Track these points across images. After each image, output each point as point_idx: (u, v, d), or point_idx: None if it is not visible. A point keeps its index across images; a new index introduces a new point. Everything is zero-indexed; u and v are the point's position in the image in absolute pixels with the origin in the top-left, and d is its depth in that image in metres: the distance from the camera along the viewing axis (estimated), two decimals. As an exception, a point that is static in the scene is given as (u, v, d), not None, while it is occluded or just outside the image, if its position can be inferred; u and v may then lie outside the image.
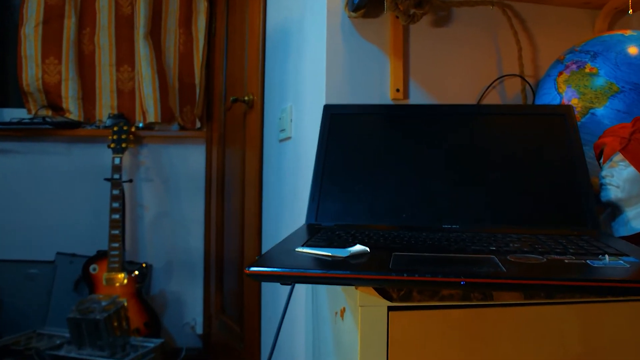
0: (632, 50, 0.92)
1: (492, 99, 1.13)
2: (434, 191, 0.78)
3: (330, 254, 0.55)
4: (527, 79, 1.13)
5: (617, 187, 0.79)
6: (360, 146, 0.85)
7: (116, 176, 2.13)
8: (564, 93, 0.97)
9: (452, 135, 0.84)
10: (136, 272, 2.12)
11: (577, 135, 0.82)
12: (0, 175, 2.26)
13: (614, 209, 0.82)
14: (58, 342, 1.75)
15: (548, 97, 1.01)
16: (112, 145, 2.16)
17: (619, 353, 0.58)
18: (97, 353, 1.66)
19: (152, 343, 1.78)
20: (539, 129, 0.83)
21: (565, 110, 0.84)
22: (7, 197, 2.27)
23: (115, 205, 2.11)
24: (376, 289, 0.52)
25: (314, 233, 0.69)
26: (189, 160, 2.34)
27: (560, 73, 0.99)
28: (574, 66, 0.96)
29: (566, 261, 0.52)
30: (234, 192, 1.87)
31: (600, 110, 0.91)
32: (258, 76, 1.51)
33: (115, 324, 1.70)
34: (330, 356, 0.74)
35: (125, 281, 2.10)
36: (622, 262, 0.51)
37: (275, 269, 0.49)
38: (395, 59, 1.08)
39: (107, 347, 1.67)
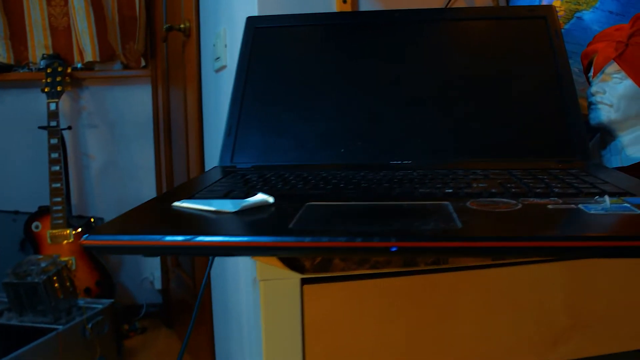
0: None
1: (460, 4, 0.94)
2: (381, 119, 0.60)
3: (215, 208, 0.38)
4: (501, -20, 0.93)
5: (611, 105, 0.63)
6: (291, 66, 0.67)
7: (53, 123, 1.90)
8: (545, -8, 0.78)
9: (405, 48, 0.66)
10: (79, 229, 1.94)
11: (561, 42, 0.64)
12: None
13: (605, 134, 0.67)
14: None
15: (525, -3, 0.82)
16: (47, 90, 1.92)
17: (613, 321, 0.44)
18: (39, 319, 1.51)
19: (101, 304, 1.63)
20: (514, 37, 0.66)
21: (545, 12, 0.66)
22: None
23: (54, 155, 1.90)
24: (281, 258, 0.36)
25: (218, 178, 0.52)
26: (135, 103, 2.11)
27: (541, -33, 0.80)
28: (559, -43, 0.77)
29: (550, 206, 0.36)
30: (179, 133, 1.68)
31: (588, 13, 0.74)
32: (192, 1, 1.29)
33: (57, 286, 1.54)
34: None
35: (72, 238, 1.92)
36: (628, 205, 0.36)
37: (112, 238, 0.32)
38: (339, -42, 0.87)
39: (50, 311, 1.51)
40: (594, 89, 0.65)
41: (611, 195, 0.39)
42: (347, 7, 0.90)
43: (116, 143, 2.15)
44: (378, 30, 0.68)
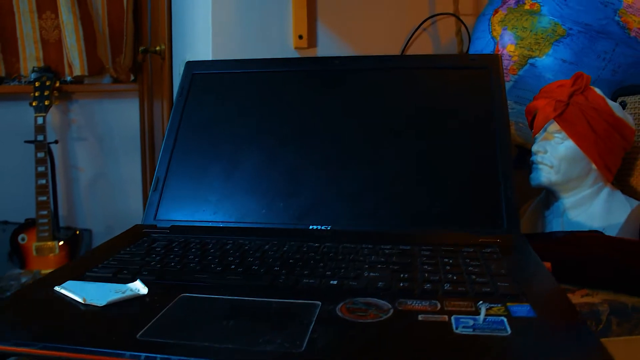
0: (582, -21, 0.70)
1: (421, 45, 0.91)
2: (305, 178, 0.58)
3: (85, 300, 0.37)
4: (463, 18, 0.90)
5: (551, 167, 0.60)
6: (223, 116, 0.65)
7: (40, 137, 1.91)
8: (499, 37, 0.75)
9: (339, 99, 0.64)
10: (62, 242, 1.94)
11: (502, 96, 0.61)
12: None
13: (549, 193, 0.64)
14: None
15: (481, 42, 0.80)
16: (34, 104, 1.92)
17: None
18: (12, 336, 1.52)
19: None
20: (455, 89, 0.63)
21: (489, 63, 0.63)
22: None
23: (41, 169, 1.90)
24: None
25: (126, 245, 0.51)
26: (123, 116, 2.11)
27: (496, 11, 0.77)
28: (512, 1, 0.75)
29: (420, 317, 0.34)
30: (159, 149, 1.68)
31: (541, 60, 0.71)
32: (165, 25, 1.28)
33: (33, 303, 1.54)
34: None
35: (57, 251, 1.93)
36: (504, 320, 0.33)
37: None
38: (293, -2, 0.85)
39: (24, 329, 1.52)
40: (535, 147, 0.62)
41: (496, 301, 0.36)
42: (303, 43, 0.88)
43: (105, 156, 2.15)
44: (315, 79, 0.66)
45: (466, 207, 0.55)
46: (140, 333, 0.32)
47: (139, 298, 0.38)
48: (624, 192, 0.63)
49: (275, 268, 0.43)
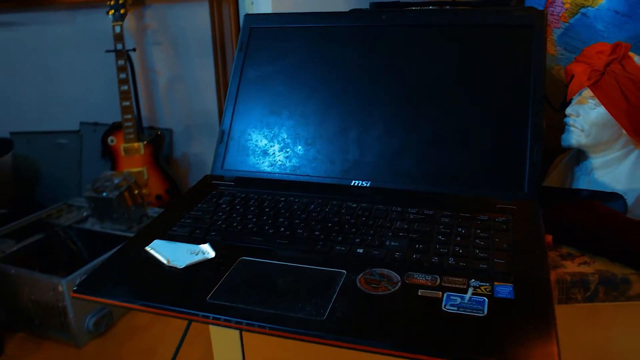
0: None
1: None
2: (354, 136, 0.66)
3: (168, 260, 0.50)
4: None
5: (582, 130, 0.63)
6: (281, 70, 0.72)
7: (119, 46, 2.05)
8: (555, -20, 0.74)
9: (388, 56, 0.68)
10: (146, 142, 2.15)
11: (542, 59, 0.63)
12: (6, 49, 2.25)
13: (580, 151, 0.67)
14: (85, 214, 1.89)
15: (539, -18, 0.78)
16: (111, 12, 2.04)
17: None
18: (116, 227, 1.79)
19: (167, 215, 1.87)
20: (498, 48, 0.65)
21: (534, 20, 0.64)
22: (20, 71, 2.28)
23: (122, 76, 2.07)
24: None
25: (198, 202, 0.63)
26: (195, 20, 2.18)
27: (555, -50, 0.75)
28: (572, -56, 0.72)
29: (419, 293, 0.43)
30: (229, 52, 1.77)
31: (594, 10, 0.70)
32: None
33: (128, 200, 1.79)
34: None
35: (142, 151, 2.15)
36: (485, 300, 0.42)
37: (101, 296, 0.45)
38: None
39: (124, 221, 1.78)
40: (569, 110, 0.65)
41: (487, 279, 0.45)
42: None
43: (180, 59, 2.27)
44: (363, 34, 0.70)
45: (493, 169, 0.60)
46: (209, 296, 0.45)
47: (208, 261, 0.50)
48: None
49: (316, 232, 0.54)
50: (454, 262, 0.48)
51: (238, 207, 0.61)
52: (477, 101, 0.64)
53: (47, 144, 2.32)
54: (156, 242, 0.53)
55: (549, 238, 0.53)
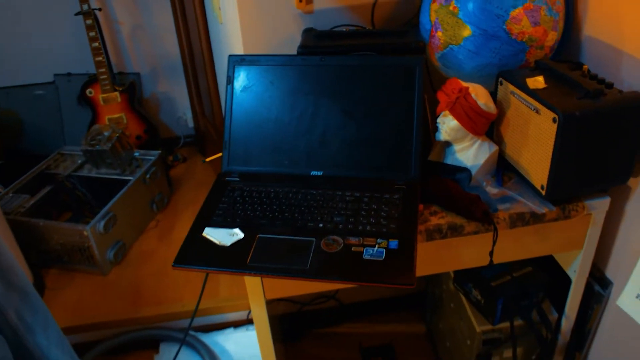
0: None
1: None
2: (306, 139, 1.06)
3: (219, 241, 0.92)
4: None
5: (446, 132, 1.06)
6: (260, 95, 1.09)
7: (85, 7, 2.23)
8: (434, 22, 1.12)
9: (323, 84, 1.06)
10: (121, 90, 2.43)
11: (421, 87, 1.03)
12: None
13: (448, 142, 1.11)
14: (79, 161, 2.23)
15: (424, 18, 1.16)
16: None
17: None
18: (111, 171, 2.15)
19: (152, 156, 2.23)
20: (392, 79, 1.04)
21: (417, 63, 1.03)
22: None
23: (92, 34, 2.29)
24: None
25: (221, 193, 1.03)
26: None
27: (434, 0, 1.12)
28: (443, 0, 1.09)
29: (352, 249, 0.88)
30: None
31: (456, 47, 1.09)
32: None
33: (119, 148, 2.13)
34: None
35: (119, 98, 2.44)
36: (382, 250, 0.87)
37: (192, 267, 0.88)
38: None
39: (118, 166, 2.14)
40: (439, 119, 1.07)
41: (385, 237, 0.90)
42: (302, 6, 1.24)
43: (139, 8, 2.46)
44: (309, 70, 1.07)
45: (393, 161, 1.04)
46: (248, 260, 0.88)
47: (241, 240, 0.93)
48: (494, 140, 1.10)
49: (295, 215, 0.97)
50: (369, 229, 0.92)
51: (247, 198, 1.02)
52: (384, 116, 1.04)
53: (25, 96, 2.54)
54: (207, 230, 0.95)
55: (420, 207, 0.99)
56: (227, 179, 1.09)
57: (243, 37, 1.29)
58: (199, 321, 1.82)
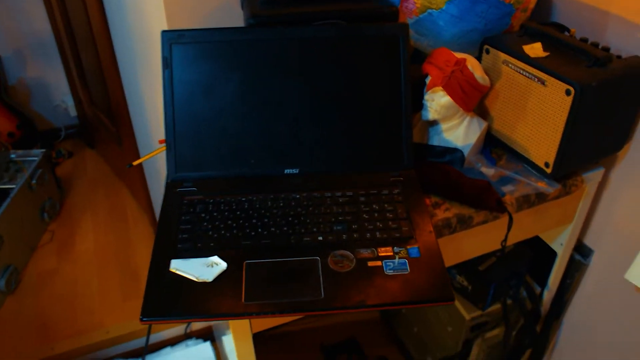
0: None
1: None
2: (274, 131, 0.86)
3: (196, 277, 0.70)
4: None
5: (436, 110, 0.93)
6: (206, 82, 0.86)
7: None
8: (408, -16, 0.96)
9: (288, 63, 0.86)
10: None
11: (408, 60, 0.88)
12: None
13: (433, 121, 0.98)
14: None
15: (395, -20, 0.99)
16: None
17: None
18: (-14, 180, 1.73)
19: (35, 157, 1.84)
20: (374, 54, 0.87)
21: (399, 31, 0.87)
22: None
23: None
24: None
25: (178, 210, 0.80)
26: None
27: (408, -40, 0.96)
28: (420, -41, 0.93)
29: (369, 264, 0.72)
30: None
31: (436, 12, 0.95)
32: None
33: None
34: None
35: (-20, 90, 1.98)
36: (405, 261, 0.72)
37: (170, 318, 0.65)
38: None
39: (-7, 173, 1.73)
40: (427, 96, 0.93)
41: (401, 244, 0.75)
42: None
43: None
44: (269, 46, 0.86)
45: (384, 151, 0.88)
46: (243, 297, 0.68)
47: (224, 270, 0.72)
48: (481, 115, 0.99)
49: (284, 228, 0.78)
50: (379, 236, 0.77)
51: (215, 213, 0.80)
52: (365, 97, 0.88)
53: None
54: (175, 262, 0.73)
55: (427, 201, 0.85)
56: (179, 189, 0.86)
57: (167, 9, 1.02)
58: (129, 346, 1.55)
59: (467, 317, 1.13)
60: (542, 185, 0.90)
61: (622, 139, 0.94)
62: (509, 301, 1.15)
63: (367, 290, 0.70)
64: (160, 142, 1.08)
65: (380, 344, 1.55)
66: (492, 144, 1.01)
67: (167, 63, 0.86)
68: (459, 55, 0.89)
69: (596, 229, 1.10)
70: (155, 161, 1.60)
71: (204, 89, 0.86)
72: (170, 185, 0.86)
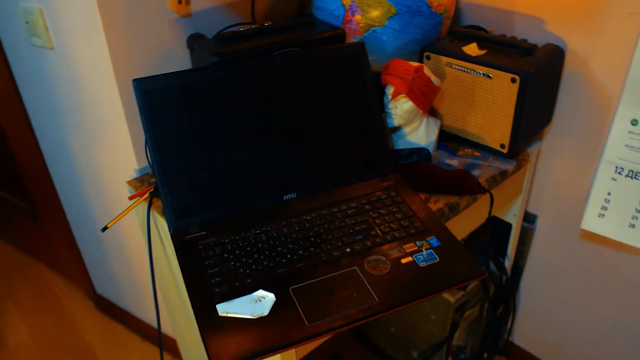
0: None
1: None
2: (265, 161, 0.88)
3: (251, 314, 0.69)
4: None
5: (400, 116, 1.01)
6: (187, 124, 0.85)
7: None
8: (349, 6, 1.05)
9: (263, 93, 0.88)
10: None
11: (370, 75, 0.95)
12: None
13: (397, 128, 1.06)
14: None
15: (333, 3, 1.07)
16: None
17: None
18: None
19: None
20: (339, 74, 0.93)
21: (357, 49, 0.95)
22: None
23: None
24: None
25: (194, 257, 0.78)
26: None
27: (347, -15, 1.04)
28: (360, -17, 1.02)
29: (402, 262, 0.77)
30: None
31: (379, 29, 1.05)
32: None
33: None
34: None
35: None
36: (432, 252, 0.79)
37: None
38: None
39: None
40: (390, 105, 1.01)
41: (420, 238, 0.81)
42: (182, 8, 1.02)
43: None
44: (241, 81, 0.88)
45: (368, 161, 0.94)
46: (305, 320, 0.69)
47: (276, 300, 0.72)
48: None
49: (312, 249, 0.80)
50: (398, 235, 0.82)
51: (237, 251, 0.80)
52: (340, 114, 0.94)
53: None
54: (221, 306, 0.71)
55: (422, 196, 0.93)
56: (188, 237, 0.83)
57: (113, 58, 0.99)
58: None
59: (452, 299, 1.23)
60: (502, 165, 1.04)
61: (550, 114, 1.11)
62: (482, 276, 1.27)
63: (412, 284, 0.75)
64: (131, 198, 1.03)
65: (368, 356, 1.59)
66: (445, 139, 1.13)
67: (144, 111, 0.84)
68: (413, 63, 0.99)
69: (537, 196, 1.27)
70: (88, 218, 1.49)
71: (186, 132, 0.85)
72: (176, 235, 0.83)
